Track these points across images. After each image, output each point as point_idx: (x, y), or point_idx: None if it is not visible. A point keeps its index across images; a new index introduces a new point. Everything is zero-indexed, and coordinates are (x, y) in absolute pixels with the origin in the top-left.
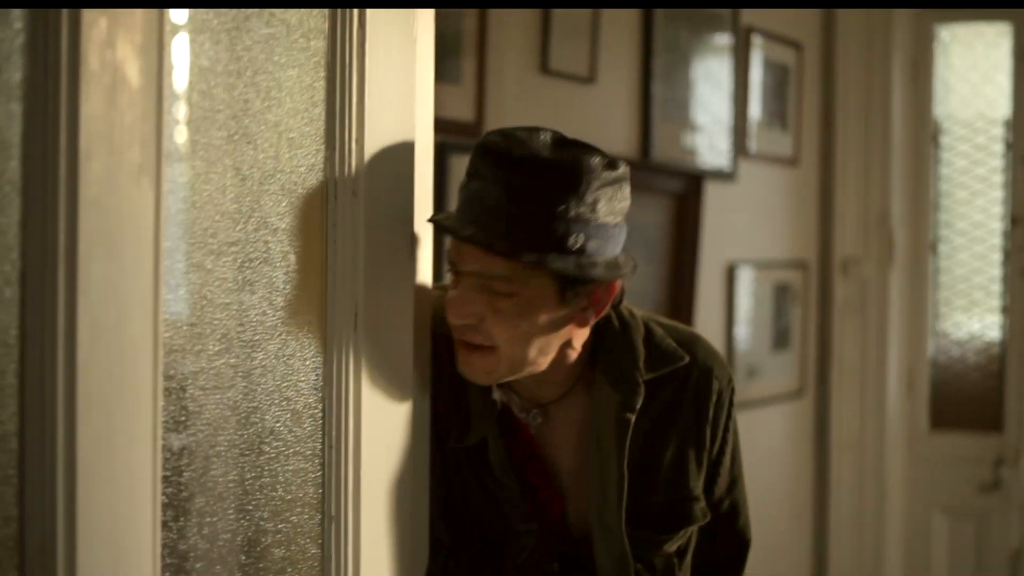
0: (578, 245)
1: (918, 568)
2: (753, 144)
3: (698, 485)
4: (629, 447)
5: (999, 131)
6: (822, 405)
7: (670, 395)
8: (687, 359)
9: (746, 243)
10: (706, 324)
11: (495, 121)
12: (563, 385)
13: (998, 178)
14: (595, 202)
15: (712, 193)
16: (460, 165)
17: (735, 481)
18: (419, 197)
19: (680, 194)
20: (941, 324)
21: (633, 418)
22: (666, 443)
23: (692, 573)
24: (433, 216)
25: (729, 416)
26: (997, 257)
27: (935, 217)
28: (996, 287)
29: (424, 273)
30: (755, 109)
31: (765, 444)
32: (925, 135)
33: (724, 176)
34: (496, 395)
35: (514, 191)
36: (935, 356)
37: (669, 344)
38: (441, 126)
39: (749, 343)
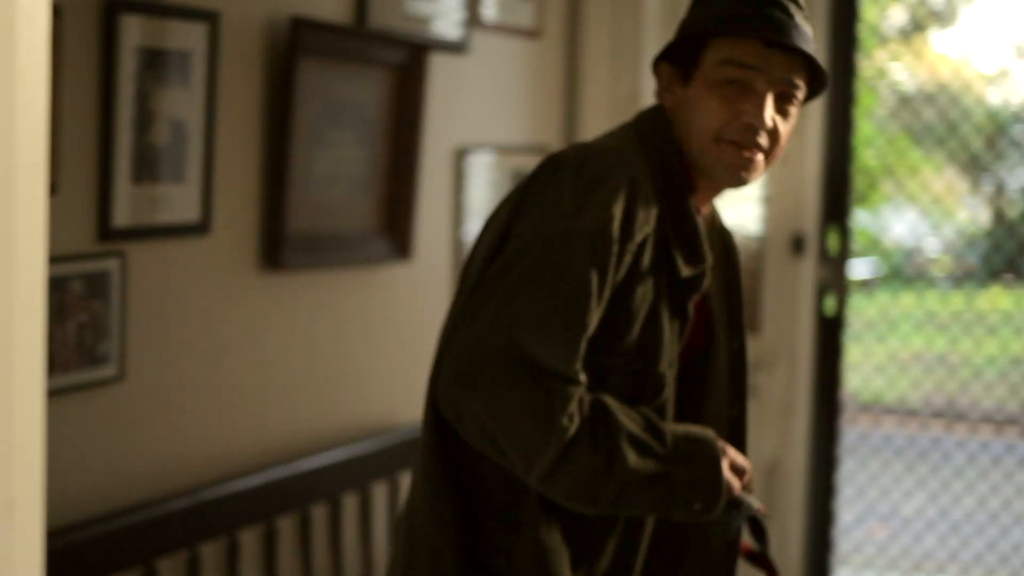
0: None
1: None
2: (489, 12)
3: None
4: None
5: None
6: None
7: None
8: None
9: (480, 125)
10: (432, 217)
11: None
12: None
13: None
14: None
15: (439, 67)
16: (135, 28)
17: None
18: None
19: (402, 67)
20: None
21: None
22: None
23: None
24: (745, 25)
25: None
26: None
27: None
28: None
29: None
30: None
31: None
32: (679, 4)
33: (454, 48)
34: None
35: (805, 14)
36: None
37: None
38: None
39: None
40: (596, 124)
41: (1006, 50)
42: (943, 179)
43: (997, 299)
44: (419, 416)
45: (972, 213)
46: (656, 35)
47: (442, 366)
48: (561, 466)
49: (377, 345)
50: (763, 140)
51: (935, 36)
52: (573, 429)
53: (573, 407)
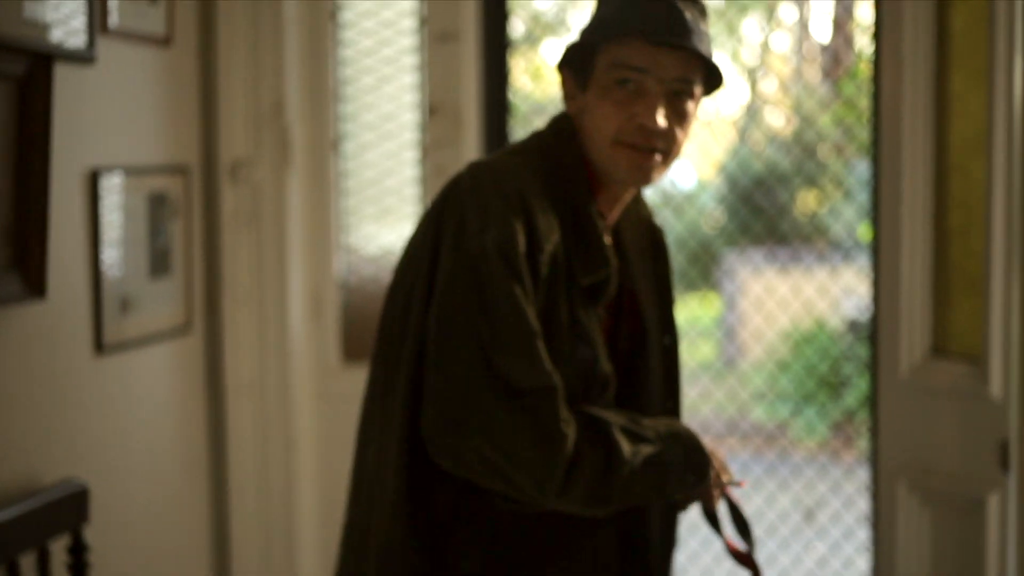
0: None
1: (336, 520)
2: (115, 17)
3: None
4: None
5: (411, 4)
6: (214, 341)
7: None
8: None
9: (112, 144)
10: (66, 247)
11: None
12: None
13: (410, 59)
14: None
15: (65, 79)
16: None
17: None
18: None
19: (23, 79)
20: (349, 237)
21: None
22: None
23: None
24: (628, 28)
25: None
26: (412, 155)
27: (337, 109)
28: (412, 190)
29: None
30: None
31: (148, 392)
32: (322, 10)
33: (80, 58)
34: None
35: (700, 12)
36: (345, 276)
37: None
38: None
39: (122, 269)
40: (237, 138)
41: None
42: None
43: None
44: (66, 475)
45: None
46: (298, 40)
47: (420, 417)
48: (573, 473)
49: (12, 399)
50: (658, 141)
51: (547, 46)
52: (572, 432)
53: (564, 412)
